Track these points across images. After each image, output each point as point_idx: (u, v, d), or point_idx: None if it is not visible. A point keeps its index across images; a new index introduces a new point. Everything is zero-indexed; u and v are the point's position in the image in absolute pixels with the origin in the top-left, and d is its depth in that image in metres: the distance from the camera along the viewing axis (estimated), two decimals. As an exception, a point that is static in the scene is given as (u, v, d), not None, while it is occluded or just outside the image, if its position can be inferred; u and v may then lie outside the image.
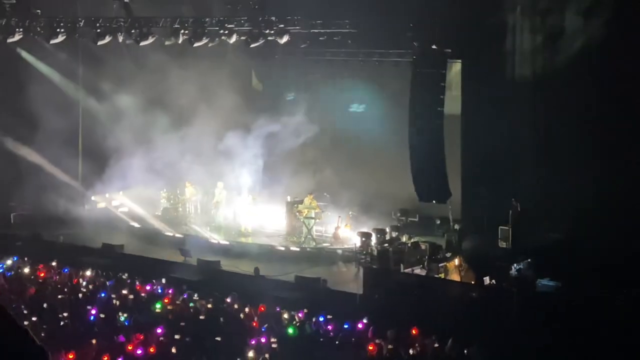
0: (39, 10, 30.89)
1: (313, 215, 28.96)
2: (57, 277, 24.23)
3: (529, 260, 22.57)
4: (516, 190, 23.85)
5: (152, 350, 17.43)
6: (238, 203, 30.69)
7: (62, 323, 19.28)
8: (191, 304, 21.26)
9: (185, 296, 22.15)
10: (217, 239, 29.82)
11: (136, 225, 31.80)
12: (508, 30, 24.17)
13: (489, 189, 24.10)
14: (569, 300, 20.40)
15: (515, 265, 22.52)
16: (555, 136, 23.25)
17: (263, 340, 18.16)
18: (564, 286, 21.19)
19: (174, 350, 17.57)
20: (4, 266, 24.90)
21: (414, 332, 18.91)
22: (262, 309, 20.83)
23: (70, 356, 16.47)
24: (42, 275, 24.30)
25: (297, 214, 29.25)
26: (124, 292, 22.23)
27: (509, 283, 22.12)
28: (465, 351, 18.14)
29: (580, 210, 22.30)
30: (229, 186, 31.03)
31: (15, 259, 26.40)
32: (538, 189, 23.49)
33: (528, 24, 24.01)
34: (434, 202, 26.27)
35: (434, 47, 24.89)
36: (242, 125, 30.95)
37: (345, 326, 19.47)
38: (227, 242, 29.44)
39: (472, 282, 22.75)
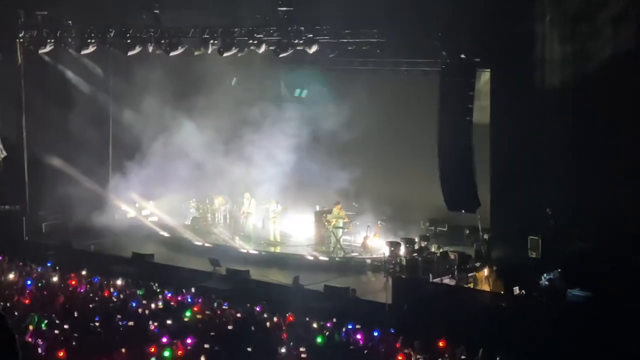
0: (70, 21, 31.18)
1: (341, 225, 28.98)
2: (88, 285, 24.39)
3: (559, 270, 22.43)
4: (546, 199, 23.70)
5: (180, 353, 17.50)
6: (267, 212, 30.73)
7: (92, 331, 19.37)
8: (220, 313, 21.31)
9: (214, 305, 22.21)
10: (246, 248, 29.90)
11: (166, 234, 31.96)
12: (537, 39, 24.05)
13: (518, 199, 23.97)
14: (600, 311, 20.25)
15: (545, 275, 22.38)
16: (585, 145, 23.09)
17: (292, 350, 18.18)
18: (595, 297, 21.01)
19: (203, 359, 17.59)
20: (33, 279, 25.04)
21: (442, 342, 18.84)
22: (291, 318, 20.85)
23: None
24: (72, 283, 24.47)
25: (326, 223, 29.28)
26: (154, 301, 22.33)
27: (539, 293, 22.00)
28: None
29: (611, 220, 22.13)
30: (257, 196, 31.07)
31: (49, 264, 26.68)
32: (568, 199, 23.33)
33: (557, 32, 23.88)
34: (463, 211, 26.20)
35: (462, 56, 24.85)
36: (271, 134, 31.01)
37: (375, 335, 19.43)
38: (256, 252, 29.52)
39: (502, 292, 22.65)
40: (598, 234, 22.18)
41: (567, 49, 23.78)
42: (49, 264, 26.76)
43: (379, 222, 29.05)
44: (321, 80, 31.58)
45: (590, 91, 22.96)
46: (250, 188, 31.29)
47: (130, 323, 19.85)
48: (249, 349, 18.28)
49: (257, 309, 21.80)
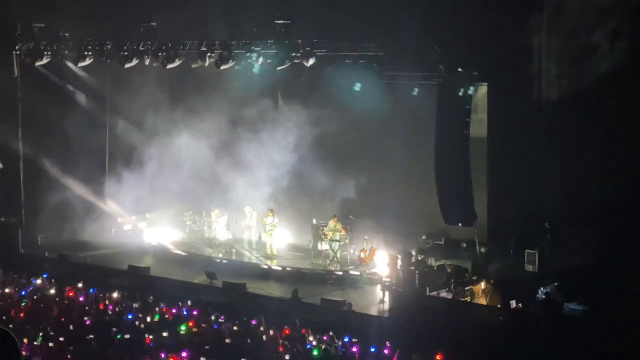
0: (66, 34, 31.17)
1: (338, 238, 28.96)
2: (84, 298, 24.33)
3: (556, 283, 22.42)
4: (543, 213, 23.72)
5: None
6: (264, 225, 30.67)
7: (88, 344, 19.31)
8: (216, 327, 21.25)
9: (211, 318, 22.15)
10: (243, 261, 29.85)
11: (162, 247, 31.88)
12: (534, 53, 24.11)
13: (516, 212, 23.99)
14: (597, 325, 20.23)
15: (542, 288, 22.38)
16: (582, 159, 23.12)
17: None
18: (592, 310, 21.00)
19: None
20: (28, 292, 24.96)
21: (439, 355, 18.79)
22: (288, 331, 20.81)
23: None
24: (68, 296, 24.41)
25: (323, 236, 29.25)
26: (150, 314, 22.28)
27: (536, 307, 21.98)
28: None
29: (608, 234, 22.14)
30: (256, 208, 31.03)
31: (45, 275, 26.64)
32: (565, 212, 23.35)
33: (554, 46, 23.95)
34: (460, 225, 26.20)
35: (460, 69, 24.91)
36: (268, 147, 31.00)
37: (371, 349, 19.39)
38: (253, 265, 29.47)
39: (499, 306, 22.63)
40: (595, 247, 22.19)
41: (563, 63, 23.86)
42: (44, 276, 26.71)
43: (375, 235, 28.99)
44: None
45: (586, 105, 23.03)
46: (248, 201, 31.22)
47: (126, 336, 19.79)
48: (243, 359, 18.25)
49: (253, 322, 21.74)
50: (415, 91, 27.35)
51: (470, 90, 25.08)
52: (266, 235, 30.48)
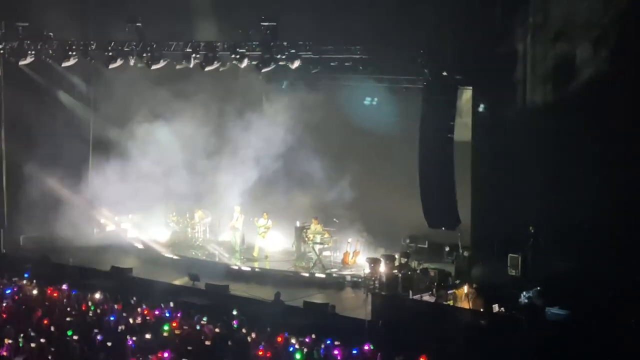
0: (51, 33, 31.06)
1: (319, 240, 28.94)
2: (66, 299, 24.22)
3: (539, 288, 22.48)
4: (527, 217, 23.78)
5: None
6: (258, 227, 30.55)
7: (70, 346, 19.21)
8: (198, 328, 21.19)
9: (194, 320, 22.09)
10: (226, 263, 29.81)
11: (145, 248, 31.80)
12: (519, 57, 24.17)
13: (499, 216, 24.04)
14: (578, 330, 20.28)
15: (524, 293, 22.43)
16: (566, 164, 23.20)
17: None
18: (574, 315, 21.06)
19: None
20: (11, 291, 24.83)
21: (423, 358, 18.79)
22: (270, 333, 20.76)
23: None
24: (50, 297, 24.29)
25: (306, 239, 29.25)
26: (132, 315, 22.20)
27: (518, 311, 22.02)
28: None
29: (591, 238, 22.22)
30: (243, 211, 31.01)
31: (26, 275, 26.52)
32: (549, 217, 23.41)
33: (539, 51, 24.02)
34: (443, 228, 26.23)
35: (444, 73, 24.94)
36: (253, 147, 30.99)
37: (354, 352, 19.36)
38: (236, 267, 29.43)
39: (481, 310, 22.65)
40: (578, 252, 22.27)
41: (548, 67, 23.93)
42: (26, 276, 26.60)
43: (359, 238, 29.00)
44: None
45: (571, 109, 23.10)
46: (236, 202, 31.18)
47: (108, 338, 19.69)
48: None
49: (235, 323, 21.70)
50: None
51: (455, 95, 25.10)
52: (259, 238, 30.42)
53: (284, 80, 31.39)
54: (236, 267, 29.33)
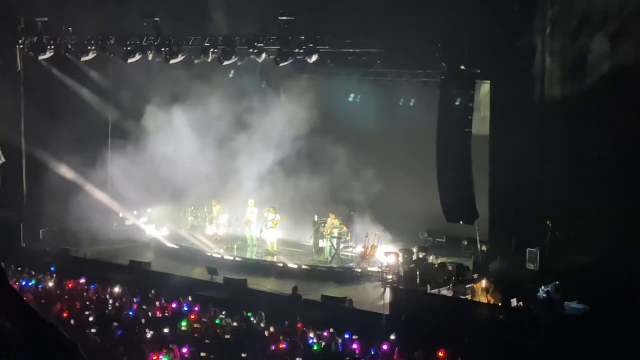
0: (70, 28, 31.19)
1: (336, 234, 28.95)
2: (85, 293, 24.35)
3: (557, 282, 22.42)
4: (545, 211, 23.73)
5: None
6: (266, 221, 30.65)
7: (89, 339, 19.31)
8: (217, 322, 21.27)
9: (211, 314, 22.17)
10: (244, 257, 29.87)
11: (163, 242, 31.91)
12: (537, 51, 24.11)
13: (517, 211, 24.00)
14: (597, 324, 20.23)
15: (542, 287, 22.38)
16: (584, 157, 23.13)
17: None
18: (592, 309, 21.01)
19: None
20: (31, 284, 24.99)
21: (440, 353, 18.80)
22: (288, 327, 20.81)
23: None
24: (69, 291, 24.43)
25: (324, 232, 29.28)
26: (151, 309, 22.30)
27: (536, 306, 21.99)
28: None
29: (609, 232, 22.15)
30: (258, 204, 31.04)
31: (53, 268, 26.68)
32: (567, 211, 23.36)
33: (557, 45, 23.95)
34: (461, 222, 26.20)
35: (462, 67, 24.89)
36: (270, 142, 31.04)
37: (371, 348, 19.39)
38: (254, 261, 29.50)
39: (499, 304, 22.63)
40: (596, 246, 22.21)
41: (566, 61, 23.85)
42: (52, 269, 26.73)
43: (376, 232, 29.00)
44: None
45: (589, 103, 23.04)
46: (251, 195, 31.24)
47: (127, 331, 19.80)
48: (244, 355, 18.24)
49: (253, 318, 21.77)
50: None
51: (473, 89, 25.06)
52: (267, 231, 30.48)
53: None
54: (254, 261, 29.40)
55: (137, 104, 32.53)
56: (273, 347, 18.97)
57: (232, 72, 31.93)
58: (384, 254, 27.03)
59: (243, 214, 31.53)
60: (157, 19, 29.32)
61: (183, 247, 31.23)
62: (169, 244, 31.68)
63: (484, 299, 23.19)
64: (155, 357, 17.31)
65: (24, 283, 24.61)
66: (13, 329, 3.51)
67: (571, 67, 23.68)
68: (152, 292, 24.59)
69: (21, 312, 3.55)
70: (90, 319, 20.98)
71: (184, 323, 20.80)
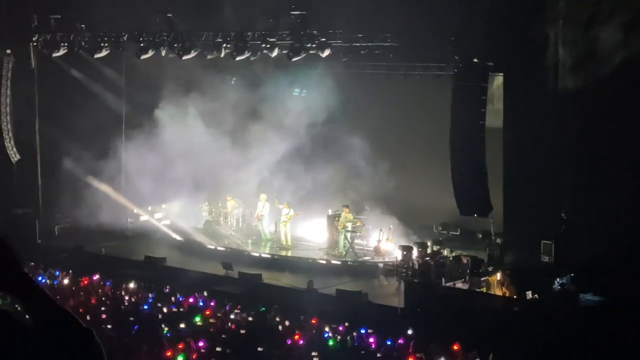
0: (83, 25, 31.29)
1: (350, 228, 28.95)
2: (100, 289, 24.45)
3: (572, 274, 22.37)
4: (559, 203, 23.66)
5: (194, 357, 17.48)
6: (280, 216, 30.71)
7: (105, 335, 19.40)
8: (232, 317, 21.33)
9: (226, 309, 22.23)
10: (258, 252, 29.93)
11: (178, 238, 32.00)
12: (550, 43, 24.01)
13: (531, 203, 23.94)
14: (613, 316, 20.19)
15: (558, 279, 22.33)
16: (599, 149, 23.05)
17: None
18: (607, 301, 20.96)
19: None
20: (46, 280, 25.10)
21: (455, 346, 18.80)
22: (304, 322, 20.85)
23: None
24: (85, 286, 24.53)
25: (338, 227, 29.29)
26: (166, 304, 22.37)
27: (552, 298, 21.96)
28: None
29: (624, 224, 22.09)
30: (270, 199, 31.07)
31: (57, 273, 26.77)
32: (581, 203, 23.29)
33: (570, 36, 23.85)
34: (475, 215, 26.17)
35: (475, 60, 24.83)
36: (284, 136, 31.06)
37: (387, 340, 19.41)
38: (268, 255, 29.55)
39: (514, 297, 22.61)
40: (611, 238, 22.13)
41: (579, 53, 23.75)
42: (57, 273, 26.84)
43: (391, 225, 28.99)
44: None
45: (603, 94, 22.92)
46: (263, 191, 31.29)
47: (143, 327, 19.86)
48: (260, 349, 18.28)
49: (269, 313, 21.81)
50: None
51: (486, 81, 25.01)
52: (281, 226, 30.53)
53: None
54: (268, 256, 29.46)
55: (150, 100, 32.62)
56: (289, 342, 19.01)
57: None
58: (399, 247, 27.03)
59: (255, 209, 31.57)
60: (170, 15, 29.37)
61: (198, 242, 31.29)
62: (184, 240, 31.75)
63: (499, 292, 23.17)
64: (170, 353, 17.34)
65: (40, 279, 24.70)
66: (30, 316, 3.54)
67: (584, 58, 23.58)
68: (168, 287, 24.67)
69: (38, 300, 3.58)
70: (106, 315, 21.06)
71: (198, 318, 20.87)
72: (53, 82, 32.28)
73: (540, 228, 23.99)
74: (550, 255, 23.86)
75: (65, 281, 25.14)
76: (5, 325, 3.48)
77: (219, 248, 30.44)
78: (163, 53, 30.20)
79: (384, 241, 28.63)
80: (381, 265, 27.67)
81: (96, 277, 25.70)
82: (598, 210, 22.77)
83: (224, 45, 28.87)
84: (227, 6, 29.63)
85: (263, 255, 29.67)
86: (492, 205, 24.90)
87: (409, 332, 20.35)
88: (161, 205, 34.13)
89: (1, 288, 3.57)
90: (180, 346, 17.78)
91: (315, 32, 27.23)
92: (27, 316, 3.54)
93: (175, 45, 29.65)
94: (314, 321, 20.95)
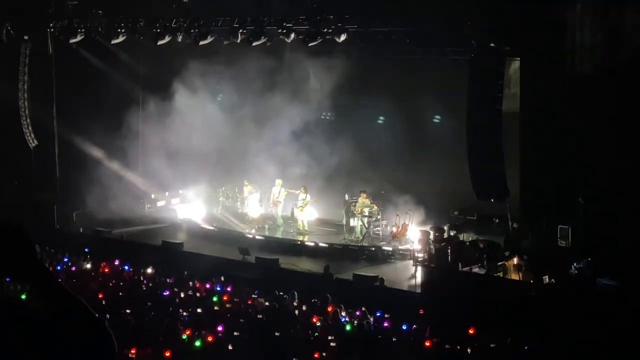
0: (99, 11, 31.35)
1: (367, 213, 28.97)
2: (118, 274, 24.58)
3: (589, 259, 22.34)
4: (576, 188, 23.60)
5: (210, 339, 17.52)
6: (296, 201, 30.74)
7: (123, 320, 19.51)
8: (250, 302, 21.41)
9: (245, 293, 22.32)
10: (275, 237, 30.00)
11: (195, 223, 32.09)
12: (567, 26, 23.91)
13: (548, 187, 23.88)
14: (630, 300, 20.16)
15: (575, 264, 22.30)
16: (616, 133, 22.96)
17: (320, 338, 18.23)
18: (625, 285, 20.93)
19: (230, 347, 17.67)
20: (63, 267, 25.24)
21: (471, 331, 18.83)
22: (321, 306, 20.91)
23: (133, 352, 16.65)
24: (103, 272, 24.67)
25: (355, 212, 29.31)
26: (184, 289, 22.48)
27: (569, 282, 21.94)
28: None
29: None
30: (286, 184, 31.10)
31: (87, 250, 26.96)
32: (598, 187, 23.21)
33: (588, 20, 23.74)
34: (492, 200, 26.12)
35: (492, 44, 24.75)
36: (300, 123, 31.08)
37: (403, 325, 19.45)
38: (285, 240, 29.61)
39: (531, 281, 22.60)
40: (628, 222, 22.07)
41: (597, 37, 23.63)
42: (86, 250, 27.03)
43: (407, 210, 28.97)
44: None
45: (621, 79, 22.83)
46: (279, 175, 31.33)
47: (161, 312, 19.97)
48: (277, 334, 18.35)
49: (286, 297, 21.89)
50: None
51: (503, 66, 24.92)
52: (297, 211, 30.57)
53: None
54: (285, 241, 29.52)
55: (168, 86, 32.66)
56: (306, 326, 19.07)
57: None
58: (415, 232, 27.03)
59: (272, 194, 31.63)
60: (186, 0, 29.38)
61: (215, 227, 31.40)
62: (201, 225, 31.87)
63: (515, 277, 23.16)
64: (169, 353, 17.26)
65: (57, 265, 24.86)
66: (44, 307, 3.59)
67: (602, 42, 23.46)
68: (185, 272, 24.78)
69: (52, 290, 3.62)
70: (124, 300, 21.18)
71: (215, 299, 21.00)
72: (70, 68, 32.36)
73: (557, 212, 23.94)
74: (567, 239, 23.82)
75: (85, 266, 25.27)
76: (19, 314, 3.53)
77: (236, 233, 30.50)
78: (179, 39, 30.21)
79: (401, 226, 28.64)
80: (398, 250, 27.69)
81: (115, 262, 25.82)
82: (615, 194, 22.70)
83: (240, 30, 28.85)
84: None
85: (280, 240, 29.73)
86: (509, 190, 24.85)
87: (425, 316, 20.36)
88: (178, 191, 34.23)
89: (16, 277, 3.62)
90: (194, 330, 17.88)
91: (331, 17, 27.18)
92: (41, 305, 3.59)
93: (192, 31, 29.67)
94: (330, 307, 21.00)
